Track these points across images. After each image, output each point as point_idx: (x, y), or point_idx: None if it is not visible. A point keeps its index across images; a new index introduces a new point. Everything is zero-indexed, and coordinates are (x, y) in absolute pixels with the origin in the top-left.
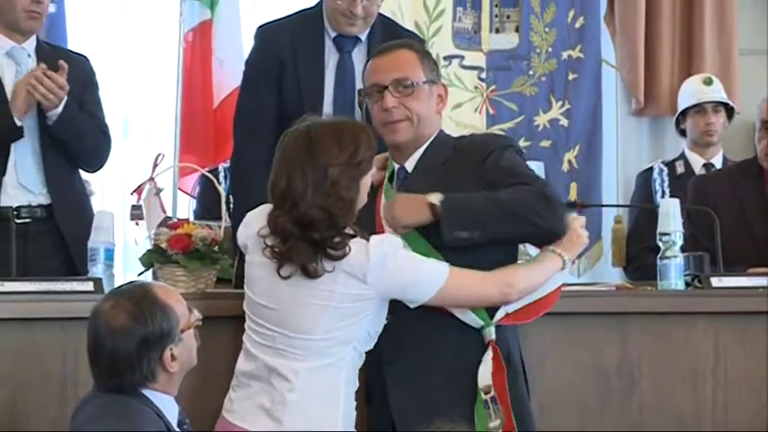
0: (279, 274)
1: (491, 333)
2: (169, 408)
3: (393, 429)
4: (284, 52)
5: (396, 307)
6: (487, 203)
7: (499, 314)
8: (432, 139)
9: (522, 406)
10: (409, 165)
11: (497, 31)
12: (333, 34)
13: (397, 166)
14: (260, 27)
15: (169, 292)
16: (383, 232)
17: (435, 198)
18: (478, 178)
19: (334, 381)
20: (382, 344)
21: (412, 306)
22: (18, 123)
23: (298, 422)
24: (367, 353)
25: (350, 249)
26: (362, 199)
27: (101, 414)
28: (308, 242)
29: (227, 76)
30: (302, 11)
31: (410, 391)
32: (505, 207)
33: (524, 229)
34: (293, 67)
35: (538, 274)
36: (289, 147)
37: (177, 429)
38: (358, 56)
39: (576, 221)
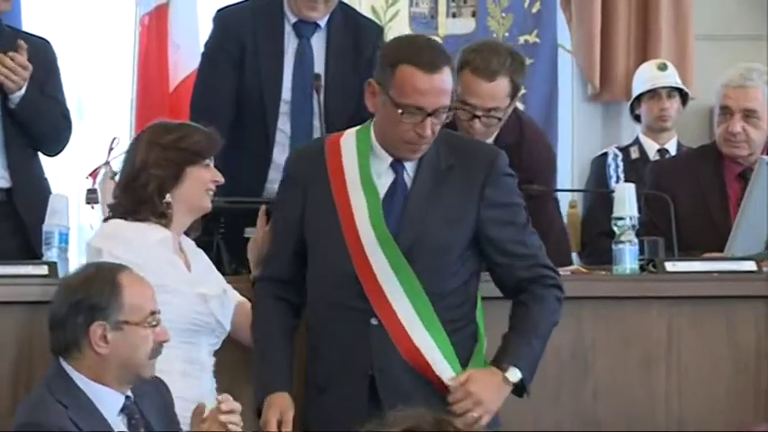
0: None
1: None
2: (105, 400)
3: None
4: (245, 36)
5: None
6: (542, 346)
7: None
8: None
9: None
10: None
11: (454, 15)
12: (293, 20)
13: (390, 159)
14: (219, 10)
15: (137, 283)
16: None
17: (514, 376)
18: (479, 201)
19: None
20: None
21: None
22: None
23: None
24: None
25: None
26: None
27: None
28: None
29: (184, 60)
30: None
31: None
32: (546, 338)
33: None
34: (254, 52)
35: None
36: None
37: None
38: (317, 42)
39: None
